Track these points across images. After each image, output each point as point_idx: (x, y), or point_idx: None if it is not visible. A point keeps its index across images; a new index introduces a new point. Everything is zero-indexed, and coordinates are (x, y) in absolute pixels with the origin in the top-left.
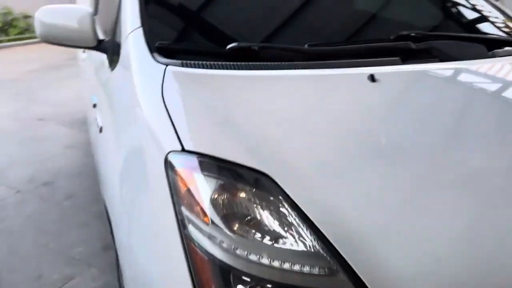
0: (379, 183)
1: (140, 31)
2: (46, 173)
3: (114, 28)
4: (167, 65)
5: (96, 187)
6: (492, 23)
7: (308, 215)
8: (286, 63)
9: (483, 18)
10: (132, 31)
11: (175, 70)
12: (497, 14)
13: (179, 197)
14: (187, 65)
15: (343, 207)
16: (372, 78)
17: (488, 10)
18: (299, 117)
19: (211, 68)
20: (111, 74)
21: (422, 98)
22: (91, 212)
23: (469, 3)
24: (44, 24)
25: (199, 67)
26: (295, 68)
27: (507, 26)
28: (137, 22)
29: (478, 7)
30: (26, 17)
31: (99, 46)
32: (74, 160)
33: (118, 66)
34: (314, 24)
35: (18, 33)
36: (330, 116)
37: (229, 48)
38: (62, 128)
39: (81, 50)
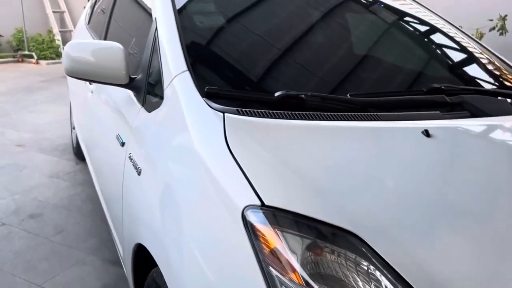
0: (470, 244)
1: (186, 75)
2: (32, 204)
3: (147, 67)
4: (224, 112)
5: (86, 222)
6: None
7: (405, 277)
8: (340, 113)
9: (486, 68)
10: (177, 75)
11: (234, 117)
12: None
13: (265, 256)
14: (242, 113)
15: (439, 269)
16: (427, 133)
17: (489, 59)
18: (369, 171)
19: (266, 116)
20: (147, 115)
21: (477, 156)
22: (84, 248)
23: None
24: (72, 58)
25: (254, 115)
26: (348, 119)
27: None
28: (182, 65)
29: (483, 60)
30: None
31: (130, 84)
32: (60, 191)
33: (160, 110)
34: (352, 73)
35: None
36: (399, 171)
37: (277, 96)
38: (43, 156)
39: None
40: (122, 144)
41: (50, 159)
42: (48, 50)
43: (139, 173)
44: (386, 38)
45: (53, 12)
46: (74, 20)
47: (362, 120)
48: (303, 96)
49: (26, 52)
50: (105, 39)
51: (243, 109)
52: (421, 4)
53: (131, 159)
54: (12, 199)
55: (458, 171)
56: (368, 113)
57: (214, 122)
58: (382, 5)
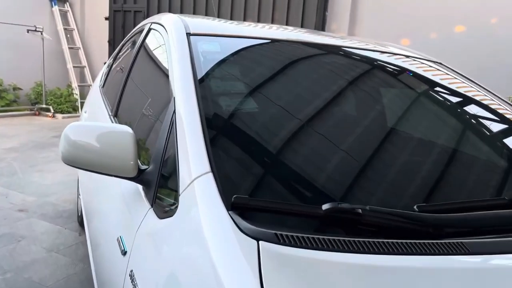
0: None
1: (209, 178)
2: (24, 287)
3: (161, 157)
4: (258, 240)
5: None
6: None
7: None
8: (413, 241)
9: None
10: (197, 177)
11: (272, 249)
12: None
13: None
14: (283, 240)
15: None
16: None
17: None
18: None
19: (315, 246)
20: (157, 222)
21: None
22: None
23: None
24: (72, 143)
25: (298, 243)
26: (426, 252)
27: None
28: (205, 165)
29: None
30: (16, 89)
31: (139, 177)
32: (57, 270)
33: (174, 221)
34: (414, 178)
35: (5, 105)
36: None
37: (325, 209)
38: (45, 224)
39: None
40: (124, 252)
41: (52, 228)
42: (65, 104)
43: None
44: (446, 126)
45: (74, 67)
46: (94, 74)
47: (444, 252)
48: (359, 210)
49: (44, 106)
50: (117, 109)
51: (283, 234)
52: (473, 81)
53: (132, 279)
54: (2, 279)
55: None
56: (450, 242)
57: (245, 255)
58: (411, 74)
